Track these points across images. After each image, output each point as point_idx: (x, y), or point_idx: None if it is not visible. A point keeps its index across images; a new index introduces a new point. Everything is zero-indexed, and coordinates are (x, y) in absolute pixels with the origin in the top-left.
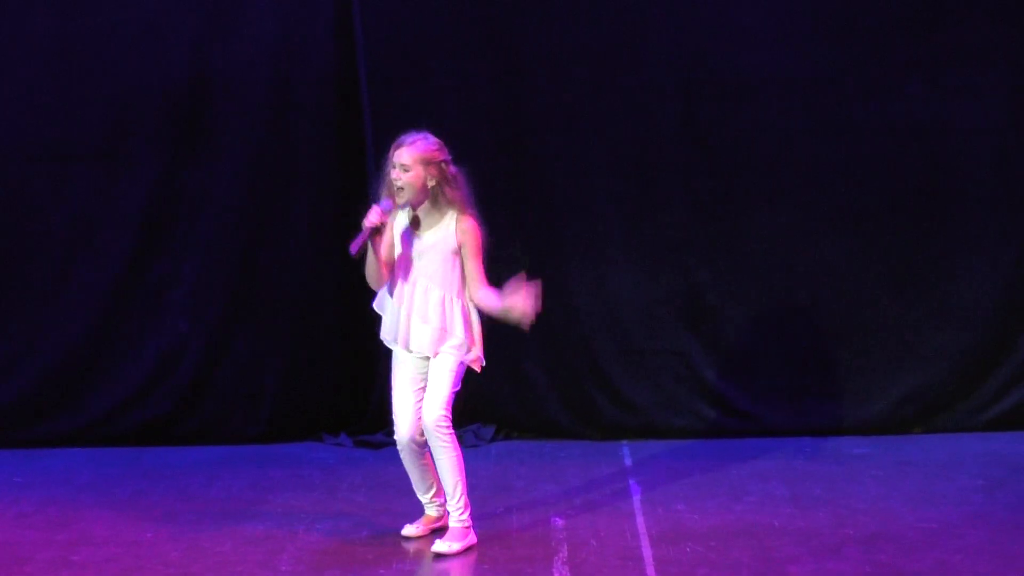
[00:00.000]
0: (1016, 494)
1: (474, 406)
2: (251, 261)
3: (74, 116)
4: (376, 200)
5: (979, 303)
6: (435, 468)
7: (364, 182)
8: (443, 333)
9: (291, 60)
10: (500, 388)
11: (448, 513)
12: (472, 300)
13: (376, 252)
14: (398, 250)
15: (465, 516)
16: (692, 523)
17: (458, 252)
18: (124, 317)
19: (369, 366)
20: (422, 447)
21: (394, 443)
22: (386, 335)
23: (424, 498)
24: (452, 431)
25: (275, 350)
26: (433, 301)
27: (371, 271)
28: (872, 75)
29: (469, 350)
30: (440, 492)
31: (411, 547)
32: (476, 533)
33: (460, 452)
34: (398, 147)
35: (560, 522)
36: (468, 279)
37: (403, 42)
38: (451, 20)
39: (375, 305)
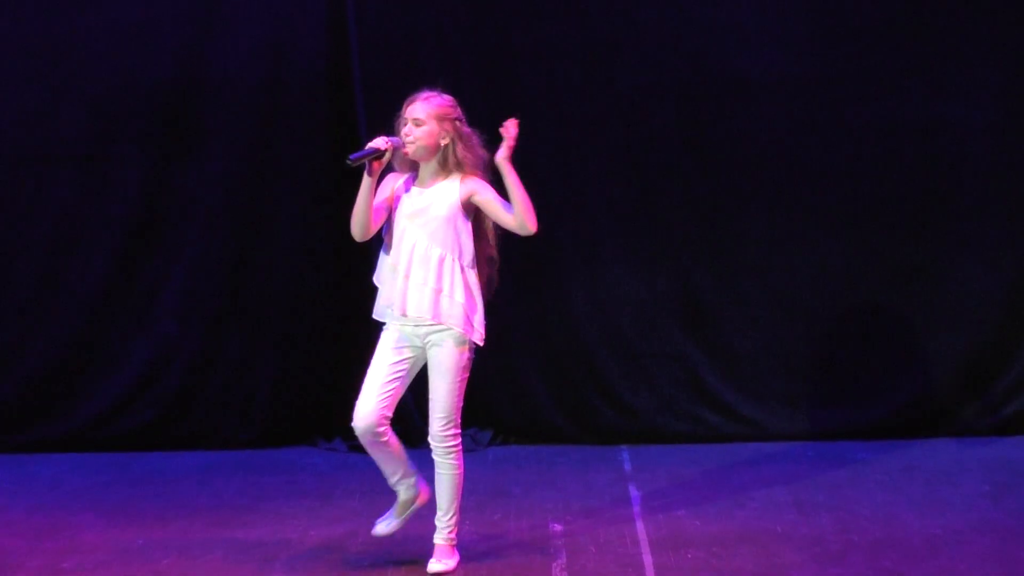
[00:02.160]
0: (1022, 500)
1: (471, 410)
2: (242, 263)
3: (60, 117)
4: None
5: (983, 305)
6: (401, 450)
7: (357, 183)
8: (440, 295)
9: (282, 60)
10: (497, 392)
11: (421, 491)
12: (512, 222)
13: (372, 177)
14: (405, 209)
15: (454, 534)
16: (693, 529)
17: (464, 211)
18: (112, 320)
19: (364, 369)
20: (379, 437)
21: None
22: (381, 304)
23: (391, 480)
24: (461, 446)
25: (267, 353)
26: (433, 261)
27: (360, 208)
28: (871, 75)
29: (470, 323)
30: (409, 472)
31: (406, 559)
32: (472, 541)
33: (464, 469)
34: (411, 102)
35: (559, 528)
36: (499, 212)
37: (396, 42)
38: (444, 21)
39: (375, 278)
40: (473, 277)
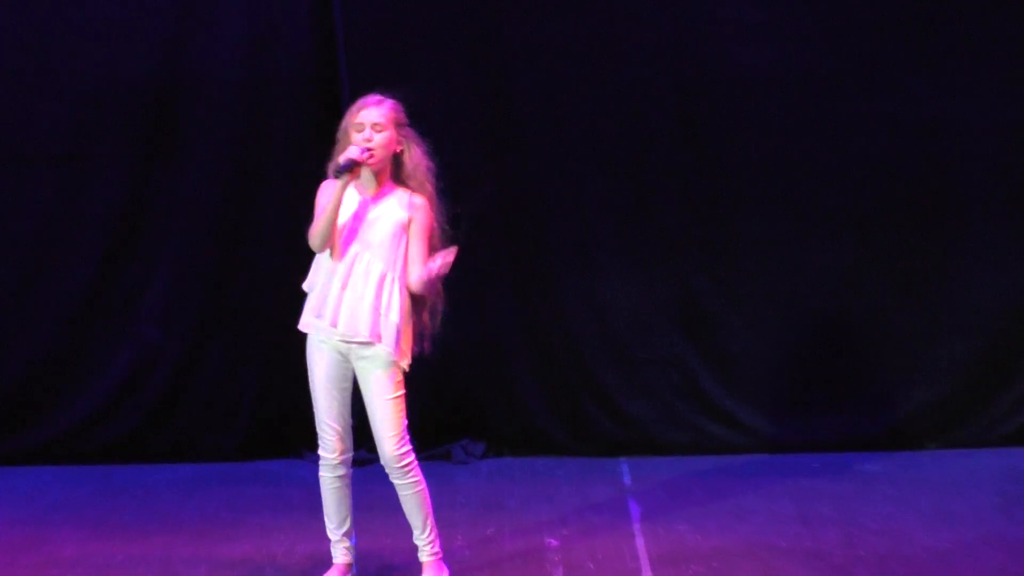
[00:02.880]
0: None
1: (463, 421)
2: (227, 267)
3: (39, 116)
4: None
5: (991, 310)
6: (350, 495)
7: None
8: (377, 315)
9: (267, 57)
10: (490, 402)
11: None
12: (409, 285)
13: (343, 191)
14: (344, 219)
15: (437, 548)
16: (694, 544)
17: (406, 228)
18: (92, 326)
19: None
20: (349, 467)
21: (378, 459)
22: (308, 314)
23: (336, 535)
24: (415, 460)
25: (253, 360)
26: (374, 276)
27: (328, 220)
28: (875, 71)
29: (399, 346)
30: (352, 530)
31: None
32: (465, 557)
33: (426, 481)
34: (365, 106)
35: (555, 544)
36: (409, 261)
37: (385, 39)
38: (434, 16)
39: (305, 284)
40: (407, 299)
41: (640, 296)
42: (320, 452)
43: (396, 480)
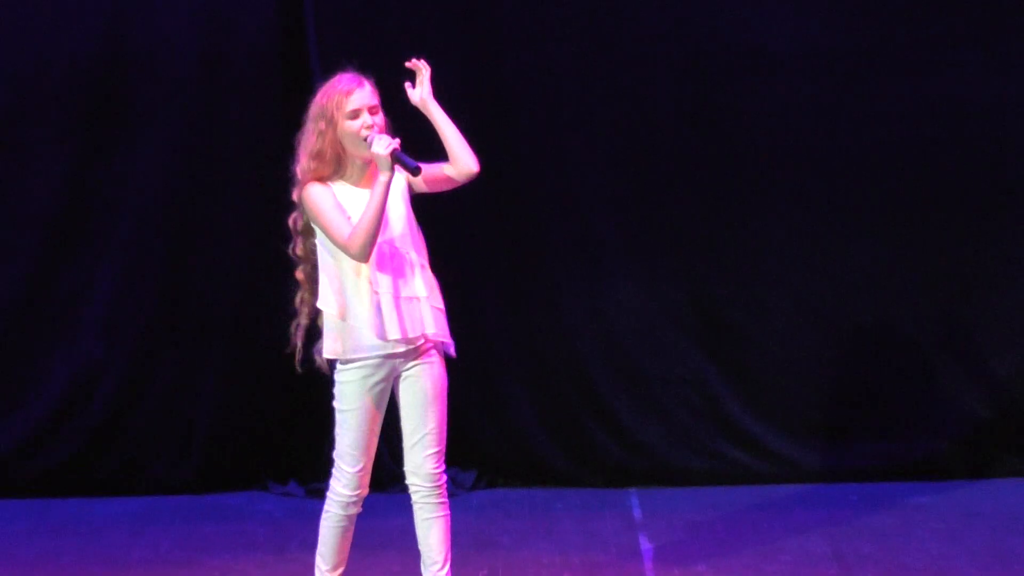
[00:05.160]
0: None
1: (451, 446)
2: (178, 272)
3: None
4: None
5: None
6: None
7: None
8: (433, 306)
9: (225, 32)
10: (482, 425)
11: None
12: (455, 167)
13: (388, 187)
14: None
15: None
16: None
17: (409, 195)
18: (25, 339)
19: (323, 400)
20: (361, 506)
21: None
22: (355, 338)
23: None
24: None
25: (210, 379)
26: (413, 269)
27: (374, 226)
28: (913, 45)
29: (449, 333)
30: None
31: None
32: None
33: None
34: (351, 90)
35: None
36: (435, 175)
37: (359, 12)
38: None
39: (328, 307)
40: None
41: (651, 305)
42: (334, 486)
43: (425, 502)
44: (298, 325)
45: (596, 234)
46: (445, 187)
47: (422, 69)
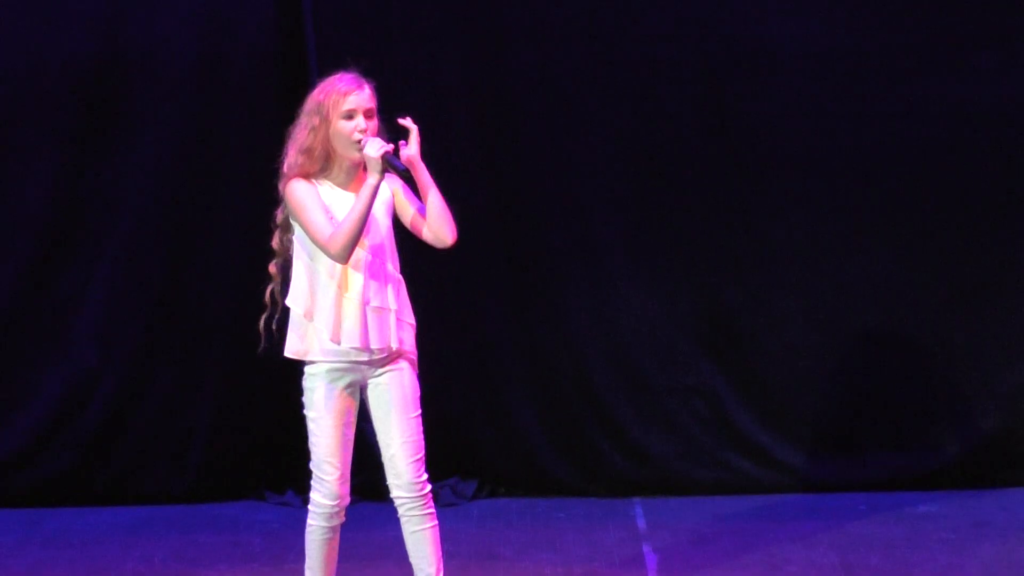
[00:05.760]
0: None
1: (451, 456)
2: (175, 277)
3: None
4: None
5: None
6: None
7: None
8: (400, 321)
9: (224, 32)
10: (483, 434)
11: None
12: (430, 230)
13: (376, 191)
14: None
15: None
16: None
17: (392, 207)
18: (17, 347)
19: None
20: (344, 516)
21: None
22: (314, 341)
23: None
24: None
25: (206, 387)
26: (385, 278)
27: (357, 228)
28: (934, 46)
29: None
30: None
31: None
32: None
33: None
34: (350, 91)
35: None
36: (413, 221)
37: (359, 12)
38: None
39: (295, 304)
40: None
41: (658, 312)
42: (314, 498)
43: (411, 514)
44: (269, 318)
45: (600, 238)
46: (418, 234)
47: (412, 129)
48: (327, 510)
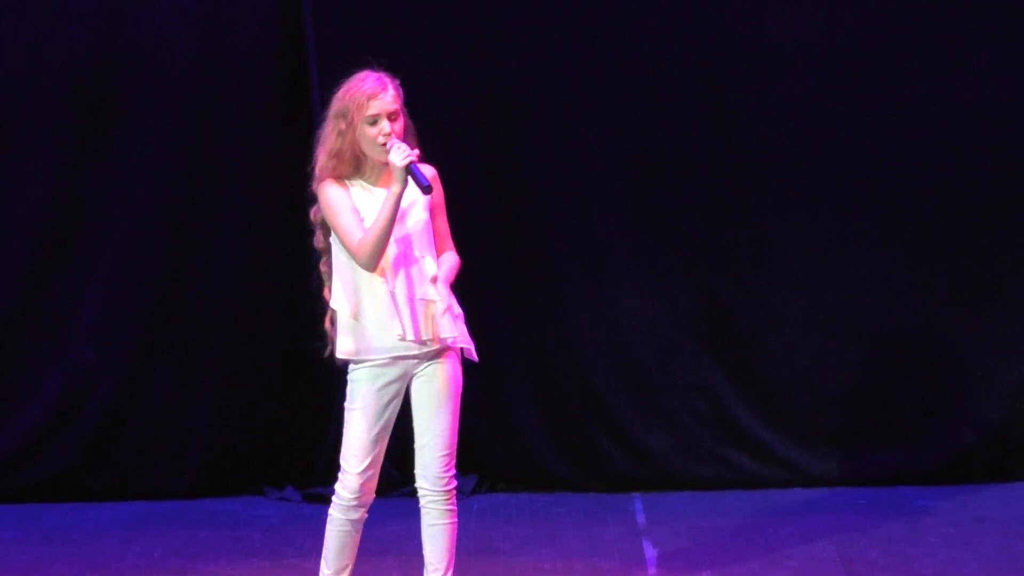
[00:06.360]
0: None
1: None
2: (174, 277)
3: None
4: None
5: None
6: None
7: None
8: (450, 309)
9: (224, 32)
10: (483, 429)
11: None
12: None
13: (399, 198)
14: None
15: None
16: None
17: (429, 203)
18: (17, 347)
19: (321, 404)
20: (367, 511)
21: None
22: (366, 339)
23: None
24: None
25: (205, 384)
26: (429, 272)
27: (383, 233)
28: (934, 45)
29: (468, 336)
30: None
31: None
32: None
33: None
34: (374, 95)
35: None
36: (439, 237)
37: (359, 11)
38: None
39: (341, 306)
40: None
41: (658, 311)
42: (336, 489)
43: (432, 507)
44: (330, 320)
45: (600, 237)
46: None
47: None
48: (345, 502)
